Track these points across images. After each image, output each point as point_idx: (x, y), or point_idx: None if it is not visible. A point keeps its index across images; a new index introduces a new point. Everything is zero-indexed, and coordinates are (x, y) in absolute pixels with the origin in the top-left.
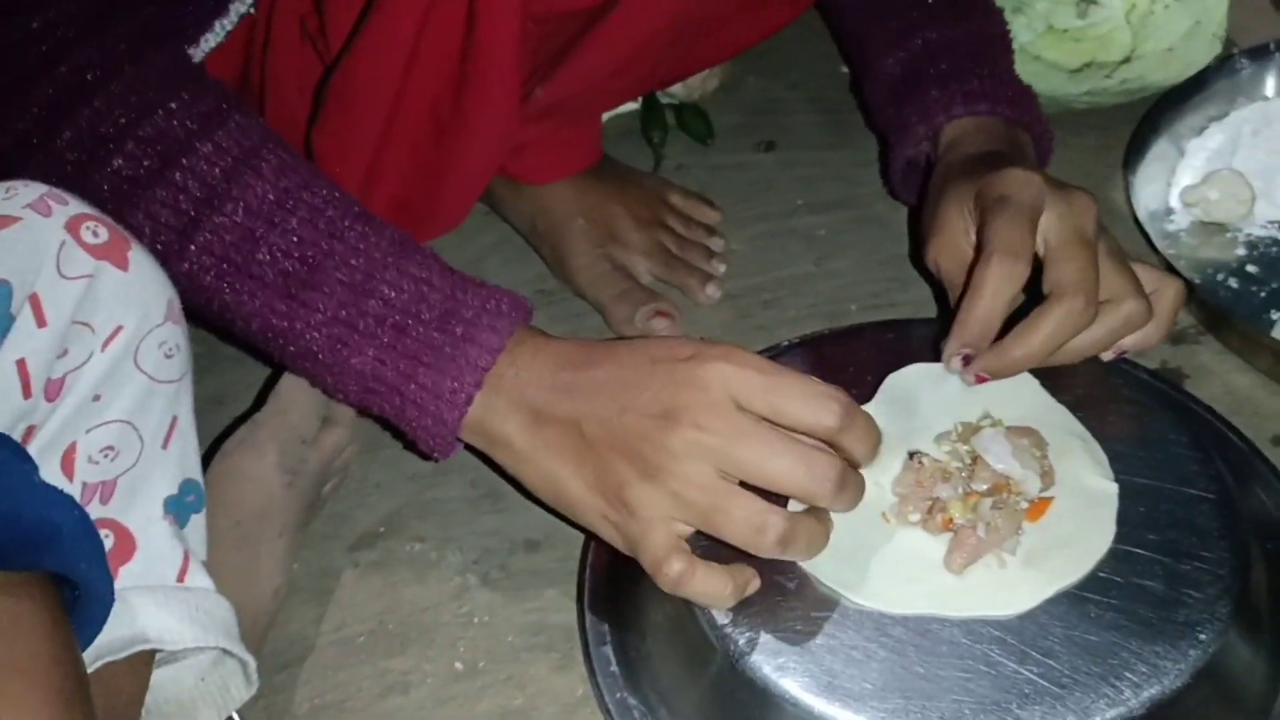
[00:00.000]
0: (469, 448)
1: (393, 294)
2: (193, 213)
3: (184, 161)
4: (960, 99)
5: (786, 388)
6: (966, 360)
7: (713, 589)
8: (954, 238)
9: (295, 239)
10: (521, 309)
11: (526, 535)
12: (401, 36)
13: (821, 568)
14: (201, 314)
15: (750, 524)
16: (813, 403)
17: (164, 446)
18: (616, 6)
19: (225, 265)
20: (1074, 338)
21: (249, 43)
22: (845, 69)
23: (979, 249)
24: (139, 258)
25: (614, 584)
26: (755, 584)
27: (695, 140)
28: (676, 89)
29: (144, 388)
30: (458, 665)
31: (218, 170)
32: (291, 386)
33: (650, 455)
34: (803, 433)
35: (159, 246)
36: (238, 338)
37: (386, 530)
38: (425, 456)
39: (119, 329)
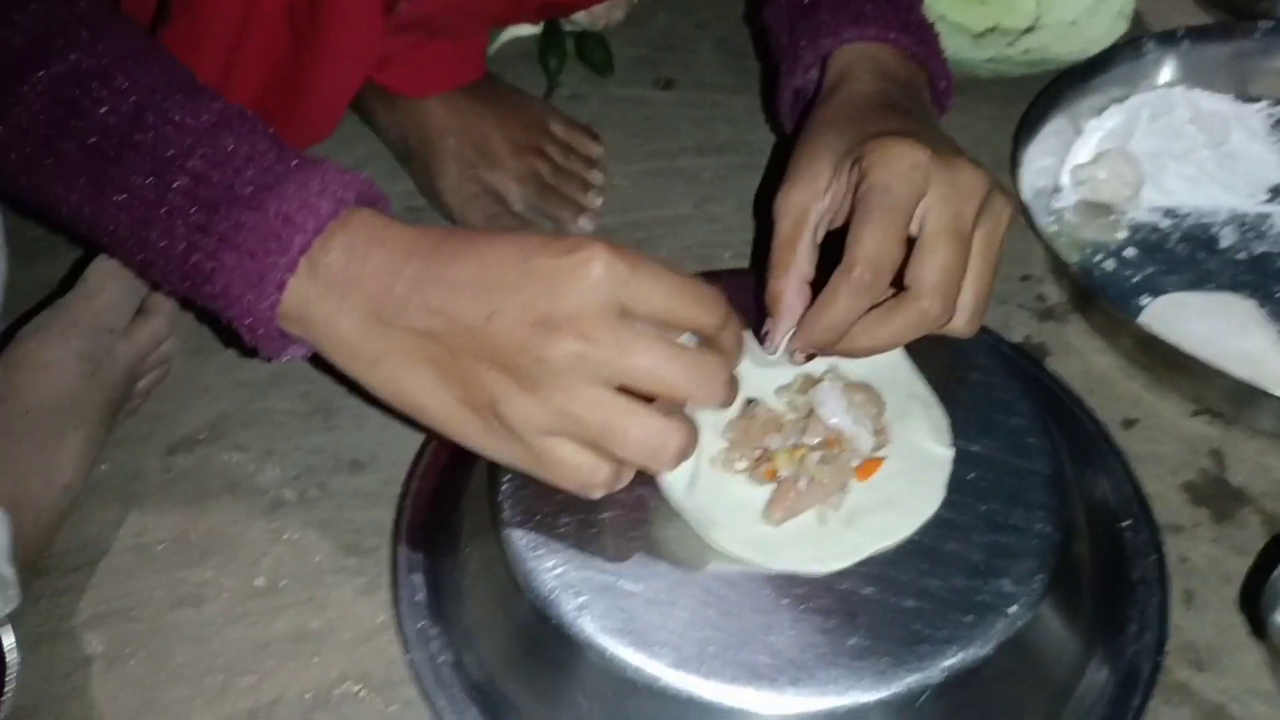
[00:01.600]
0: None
1: (206, 168)
2: None
3: None
4: (851, 21)
5: (676, 289)
6: (810, 357)
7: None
8: (804, 194)
9: (104, 110)
10: (357, 189)
11: (353, 456)
12: None
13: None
14: (18, 201)
15: (648, 444)
16: (699, 302)
17: None
18: None
19: (31, 142)
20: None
21: None
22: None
23: (845, 243)
24: None
25: (432, 513)
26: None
27: (593, 70)
28: (580, 17)
29: None
30: (258, 581)
31: (28, 39)
32: (101, 271)
33: (528, 368)
34: (684, 329)
35: None
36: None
37: (207, 437)
38: (262, 357)
39: None
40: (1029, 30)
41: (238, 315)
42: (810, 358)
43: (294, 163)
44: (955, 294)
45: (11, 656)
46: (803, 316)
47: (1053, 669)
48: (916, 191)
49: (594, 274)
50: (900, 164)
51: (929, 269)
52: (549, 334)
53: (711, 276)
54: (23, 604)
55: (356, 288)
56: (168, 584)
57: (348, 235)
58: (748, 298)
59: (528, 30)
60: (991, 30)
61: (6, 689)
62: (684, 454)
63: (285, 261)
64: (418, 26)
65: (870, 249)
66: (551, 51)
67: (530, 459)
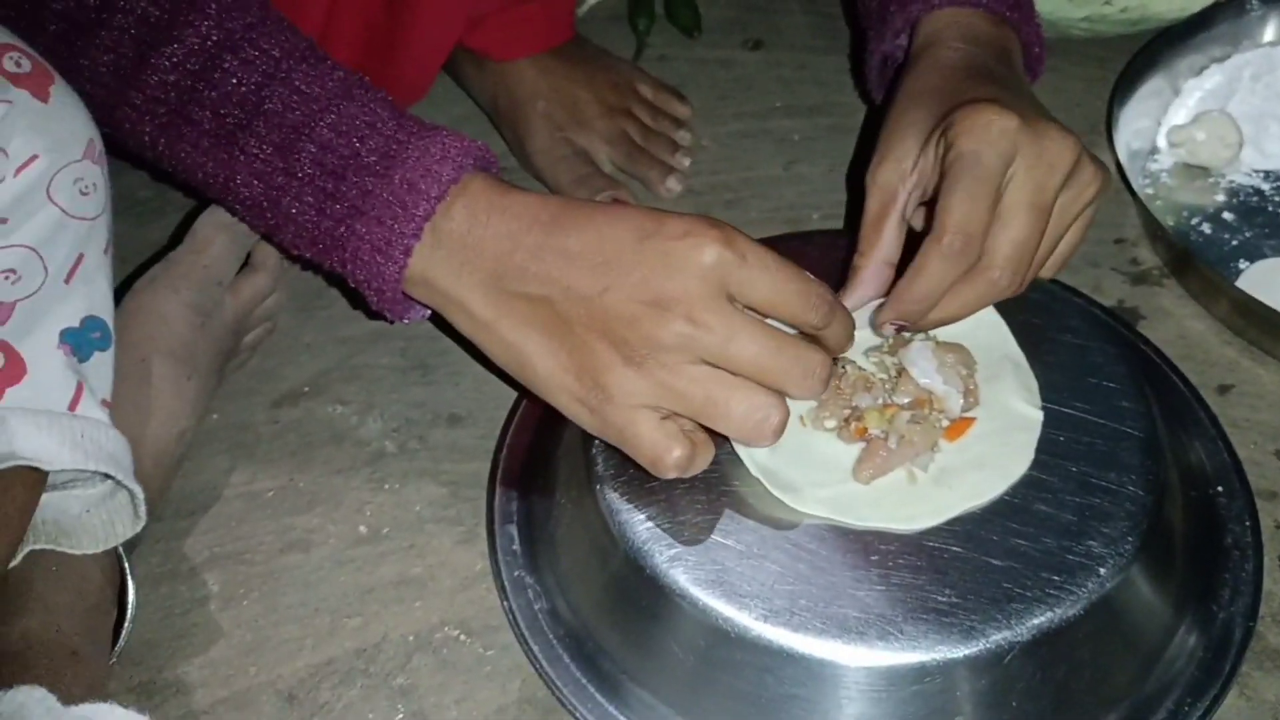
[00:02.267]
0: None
1: (331, 137)
2: (133, 56)
3: (124, 4)
4: None
5: (783, 283)
6: (900, 329)
7: (706, 458)
8: (891, 173)
9: (235, 81)
10: (474, 155)
11: (451, 410)
12: None
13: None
14: (153, 165)
15: (751, 418)
16: (806, 300)
17: (66, 281)
18: None
19: (163, 111)
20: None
21: None
22: None
23: (931, 213)
24: (61, 92)
25: (527, 466)
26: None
27: (682, 32)
28: None
29: (55, 220)
30: (362, 529)
31: (159, 11)
32: (208, 225)
33: (636, 342)
34: (786, 323)
35: (101, 95)
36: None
37: (310, 390)
38: (380, 318)
39: (34, 157)
40: None
41: (365, 279)
42: (901, 329)
43: (414, 129)
44: (1027, 266)
45: (130, 585)
46: (892, 288)
47: (1142, 632)
48: (1005, 159)
49: (705, 259)
50: (988, 131)
51: (1002, 241)
52: (660, 313)
53: (803, 238)
54: (142, 545)
55: (478, 253)
56: (277, 529)
57: (468, 200)
58: (839, 259)
59: None
60: None
61: (127, 619)
62: (783, 429)
63: (412, 228)
64: None
65: (959, 217)
66: (640, 13)
67: (615, 430)
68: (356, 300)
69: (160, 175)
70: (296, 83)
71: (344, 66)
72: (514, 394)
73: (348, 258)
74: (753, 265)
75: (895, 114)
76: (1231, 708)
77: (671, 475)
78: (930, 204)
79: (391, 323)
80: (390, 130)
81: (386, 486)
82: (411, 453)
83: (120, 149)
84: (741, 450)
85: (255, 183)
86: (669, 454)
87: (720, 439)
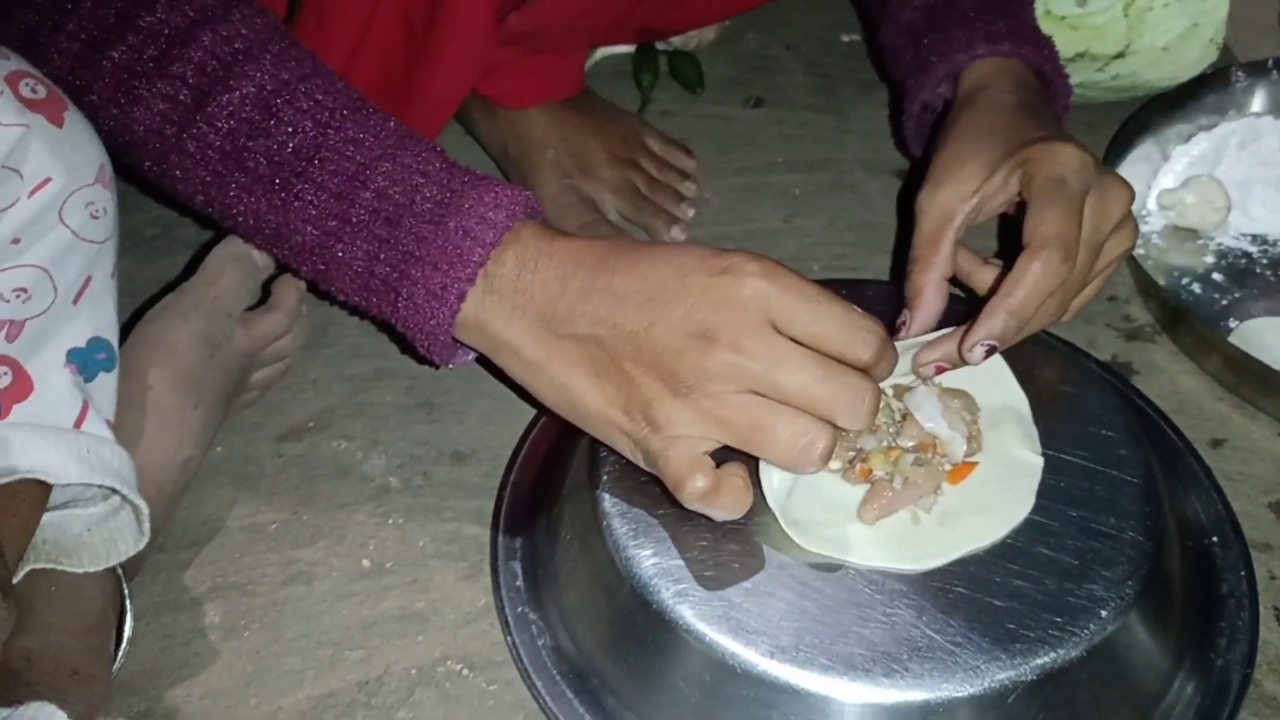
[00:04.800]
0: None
1: (386, 185)
2: (190, 104)
3: (182, 53)
4: (983, 38)
5: (827, 315)
6: (990, 352)
7: (734, 501)
8: (950, 194)
9: (290, 129)
10: (523, 204)
11: (455, 447)
12: None
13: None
14: (195, 209)
15: (797, 443)
16: (853, 333)
17: (75, 302)
18: None
19: (218, 158)
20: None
21: None
22: (845, 37)
23: (1025, 232)
24: (75, 118)
25: (531, 502)
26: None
27: (685, 88)
28: (673, 38)
29: (66, 241)
30: (365, 563)
31: (215, 62)
32: (220, 259)
33: (684, 374)
34: (833, 358)
35: (156, 141)
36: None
37: (316, 426)
38: (428, 363)
39: (47, 180)
40: (1119, 56)
41: (417, 324)
42: (990, 352)
43: (468, 178)
44: (1076, 294)
45: (129, 606)
46: (979, 309)
47: (1141, 676)
48: (1086, 189)
49: (746, 291)
50: (1072, 162)
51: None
52: (706, 344)
53: (853, 284)
54: (143, 575)
55: (528, 297)
56: (281, 561)
57: (519, 248)
58: (889, 310)
59: (622, 48)
60: (1081, 55)
61: (124, 640)
62: (829, 454)
63: (467, 274)
64: (522, 41)
65: (1059, 229)
66: (645, 69)
67: (660, 459)
68: (362, 338)
69: (170, 208)
70: (351, 131)
71: (393, 117)
72: (517, 433)
73: (401, 303)
74: (795, 296)
75: (953, 145)
76: None
77: (694, 504)
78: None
79: (437, 367)
80: (444, 179)
81: (390, 521)
82: (416, 489)
83: (133, 178)
84: (766, 488)
85: (309, 229)
86: (691, 480)
87: None
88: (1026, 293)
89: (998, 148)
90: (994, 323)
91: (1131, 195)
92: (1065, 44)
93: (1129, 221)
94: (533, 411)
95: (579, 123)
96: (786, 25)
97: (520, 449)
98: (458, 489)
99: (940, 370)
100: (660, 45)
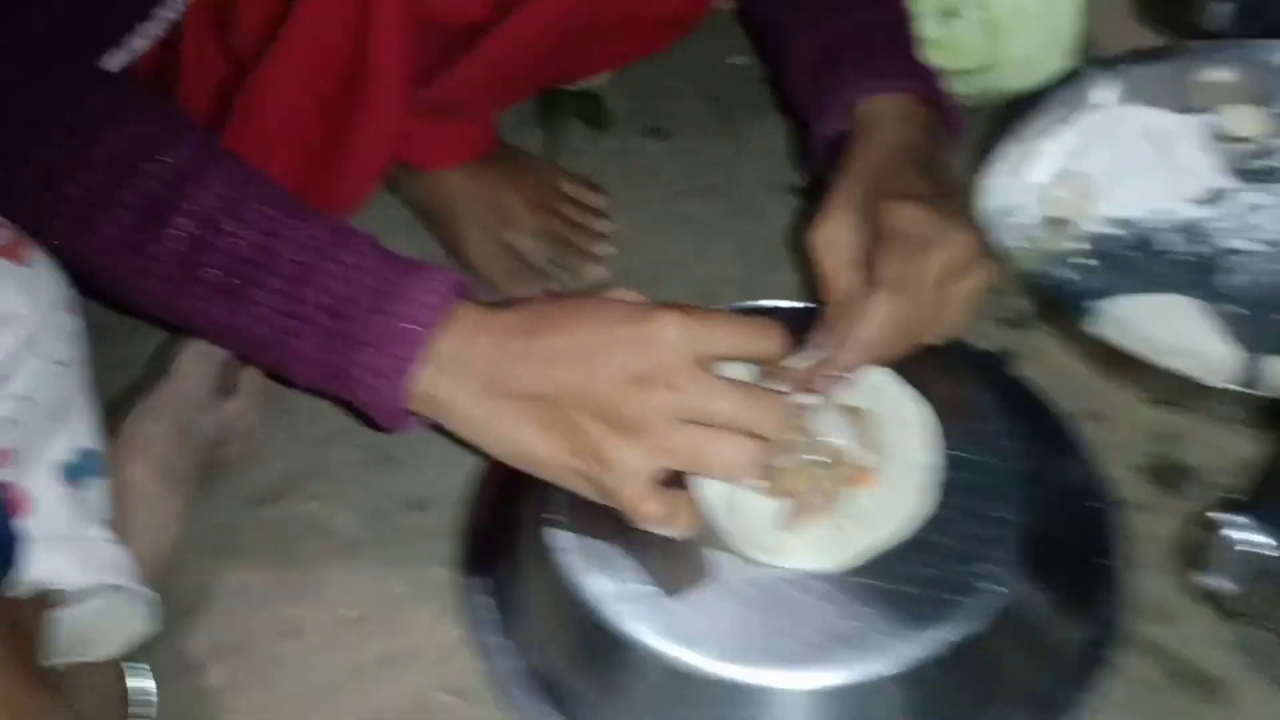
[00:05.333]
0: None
1: (330, 282)
2: (142, 229)
3: (132, 182)
4: (875, 74)
5: (735, 330)
6: (836, 383)
7: (688, 519)
8: (838, 233)
9: (238, 242)
10: (456, 285)
11: (417, 496)
12: (303, 46)
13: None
14: (151, 318)
15: (738, 458)
16: (762, 332)
17: (59, 420)
18: (501, 22)
19: (173, 275)
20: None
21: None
22: (734, 60)
23: (871, 274)
24: (37, 257)
25: (493, 540)
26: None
27: (591, 127)
28: None
29: (43, 370)
30: (347, 612)
31: (163, 188)
32: (186, 359)
33: (628, 415)
34: (755, 358)
35: (111, 265)
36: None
37: (284, 489)
38: (381, 429)
39: (19, 316)
40: (983, 69)
41: (370, 402)
42: (837, 383)
43: (405, 268)
44: (920, 336)
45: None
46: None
47: (1038, 634)
48: (927, 239)
49: (670, 335)
50: (916, 216)
51: (885, 311)
52: (643, 387)
53: (764, 312)
54: (146, 646)
55: (470, 369)
56: (270, 620)
57: (456, 325)
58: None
59: None
60: (948, 71)
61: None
62: (761, 463)
63: (411, 354)
64: (434, 110)
65: (892, 274)
66: (551, 112)
67: (613, 493)
68: (318, 402)
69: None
70: (293, 236)
71: (329, 215)
72: (472, 475)
73: (355, 385)
74: (710, 327)
75: (841, 185)
76: (1113, 691)
77: (653, 527)
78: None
79: (390, 433)
80: (383, 270)
81: (365, 572)
82: (384, 540)
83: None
84: (704, 507)
85: (262, 328)
86: (647, 506)
87: None
88: (868, 331)
89: (870, 195)
90: (840, 357)
91: (972, 241)
92: (933, 61)
93: (975, 264)
94: (484, 456)
95: (494, 177)
96: (678, 52)
97: (477, 491)
98: (423, 535)
99: (833, 389)
100: (564, 86)
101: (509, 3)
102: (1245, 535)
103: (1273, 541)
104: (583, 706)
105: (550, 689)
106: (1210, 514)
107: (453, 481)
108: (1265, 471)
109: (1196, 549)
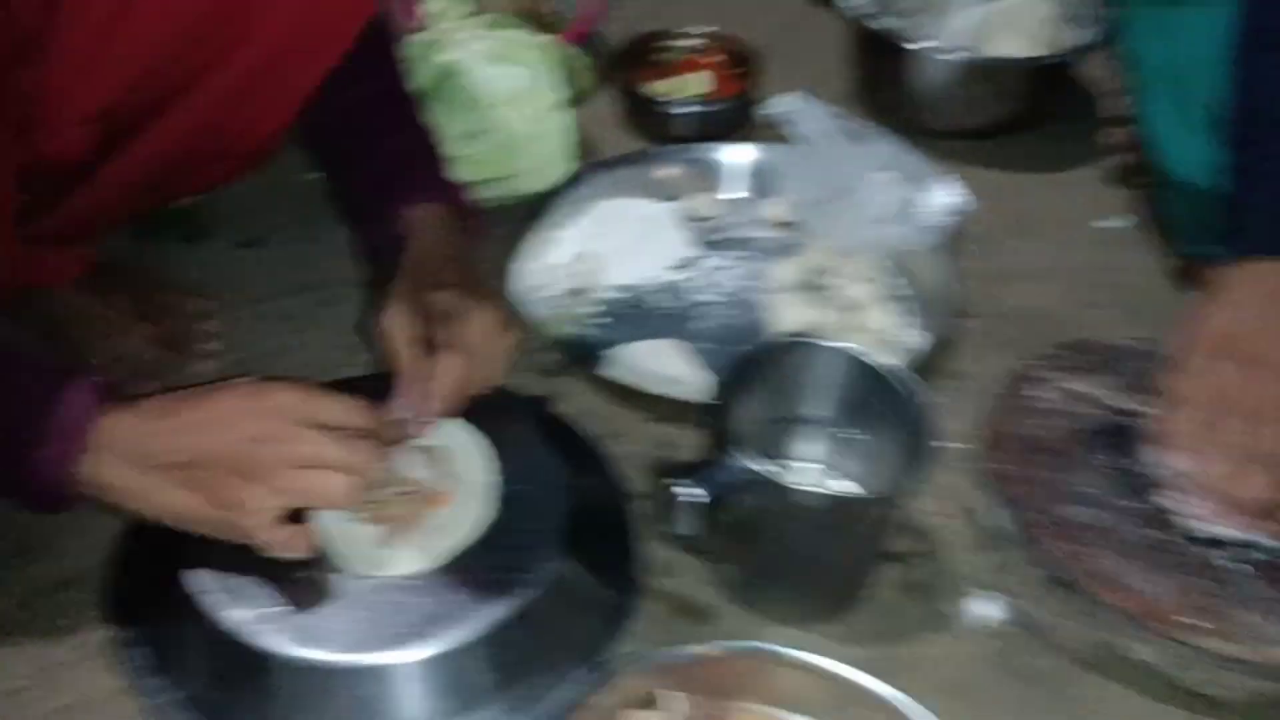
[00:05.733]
0: None
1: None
2: None
3: None
4: (418, 188)
5: (329, 405)
6: (422, 427)
7: (309, 542)
8: (398, 318)
9: None
10: (98, 393)
11: (61, 577)
12: None
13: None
14: None
15: (338, 491)
16: (350, 411)
17: None
18: (109, 159)
19: None
20: None
21: None
22: (311, 176)
23: (433, 343)
24: None
25: (139, 594)
26: None
27: (189, 241)
28: None
29: None
30: (14, 684)
31: None
32: None
33: (254, 466)
34: (346, 429)
35: None
36: None
37: None
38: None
39: None
40: (508, 178)
41: (43, 496)
42: (424, 427)
43: (59, 381)
44: (469, 388)
45: None
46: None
47: (582, 596)
48: (464, 313)
49: (281, 401)
50: (452, 302)
51: (441, 373)
52: (263, 444)
53: (348, 382)
54: None
55: (124, 447)
56: None
57: (109, 418)
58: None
59: None
60: (484, 180)
61: None
62: (356, 491)
63: (74, 448)
64: (42, 240)
65: (445, 340)
66: (155, 229)
67: (248, 533)
68: None
69: None
70: None
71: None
72: (108, 547)
73: (28, 472)
74: (308, 399)
75: (395, 284)
76: (635, 628)
77: (283, 552)
78: None
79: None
80: (42, 385)
81: (29, 647)
82: (41, 614)
83: None
84: (323, 533)
85: None
86: (275, 536)
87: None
88: (442, 386)
89: (422, 285)
90: (424, 408)
91: (499, 311)
92: (471, 172)
93: (506, 328)
94: (113, 528)
95: (108, 291)
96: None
97: (117, 557)
98: (76, 605)
99: (424, 433)
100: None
101: (114, 141)
102: (688, 491)
103: (705, 493)
104: (248, 715)
105: (209, 713)
106: (665, 480)
107: (91, 559)
108: (699, 447)
109: (664, 507)
